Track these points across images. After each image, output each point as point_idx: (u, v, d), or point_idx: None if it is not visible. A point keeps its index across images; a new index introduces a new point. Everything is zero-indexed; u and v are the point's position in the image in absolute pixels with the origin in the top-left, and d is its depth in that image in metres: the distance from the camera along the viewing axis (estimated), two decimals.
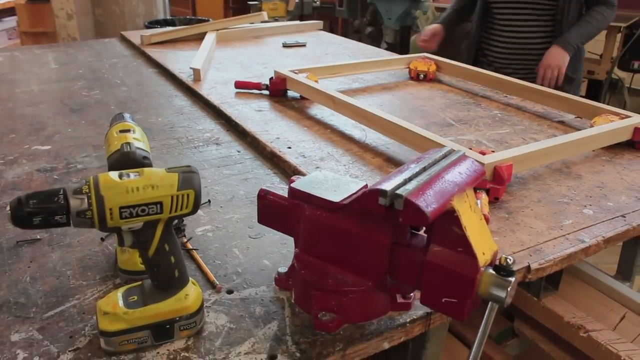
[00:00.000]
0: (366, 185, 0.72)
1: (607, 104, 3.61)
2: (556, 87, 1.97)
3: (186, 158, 1.24)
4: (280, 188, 0.79)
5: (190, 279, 0.71)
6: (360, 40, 4.94)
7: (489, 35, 2.27)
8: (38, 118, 1.51)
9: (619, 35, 3.46)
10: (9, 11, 7.30)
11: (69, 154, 1.27)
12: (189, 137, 1.36)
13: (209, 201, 1.04)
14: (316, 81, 1.60)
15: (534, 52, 2.15)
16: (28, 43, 5.52)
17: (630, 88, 3.84)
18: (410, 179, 0.62)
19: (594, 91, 3.53)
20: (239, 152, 1.27)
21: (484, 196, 0.99)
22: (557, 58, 2.04)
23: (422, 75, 1.81)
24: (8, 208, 0.62)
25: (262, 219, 0.81)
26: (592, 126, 1.37)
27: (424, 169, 0.64)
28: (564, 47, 2.05)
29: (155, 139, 1.34)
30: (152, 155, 0.83)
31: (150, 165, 0.74)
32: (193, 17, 5.59)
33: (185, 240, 0.91)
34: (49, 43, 5.01)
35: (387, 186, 0.60)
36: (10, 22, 7.46)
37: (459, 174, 0.65)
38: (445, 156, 0.69)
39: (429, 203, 0.58)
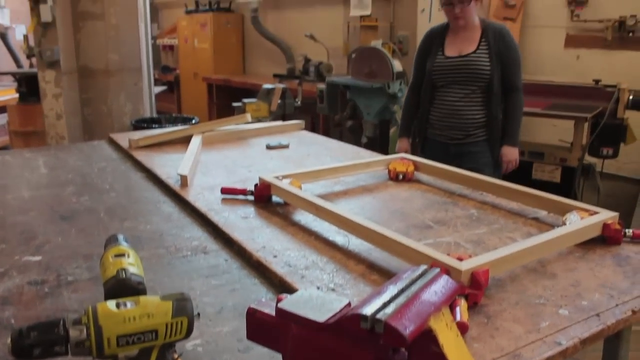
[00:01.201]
0: (349, 303, 0.76)
1: (581, 190, 3.77)
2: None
3: (175, 268, 1.27)
4: (268, 305, 0.83)
5: None
6: (341, 133, 5.13)
7: (434, 106, 2.90)
8: (28, 226, 1.54)
9: (586, 125, 3.64)
10: None
11: (60, 265, 1.29)
12: (177, 245, 1.40)
13: (199, 314, 1.06)
14: (299, 186, 1.67)
15: (470, 119, 2.81)
16: (17, 142, 5.64)
17: (602, 173, 3.99)
18: (389, 302, 0.67)
19: (568, 177, 3.66)
20: (226, 260, 1.32)
21: (462, 302, 1.03)
22: (512, 154, 2.84)
23: (401, 176, 1.90)
24: (9, 340, 0.65)
25: (250, 336, 0.84)
26: (564, 223, 1.44)
27: (402, 291, 0.69)
28: (512, 145, 2.83)
29: (145, 249, 1.38)
30: (143, 266, 0.87)
31: (144, 291, 0.78)
32: (179, 115, 5.77)
33: (176, 356, 0.93)
34: (38, 141, 5.13)
35: (368, 310, 0.64)
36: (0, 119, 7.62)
37: (435, 293, 0.70)
38: (421, 275, 0.74)
39: (407, 325, 0.63)
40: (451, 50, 2.84)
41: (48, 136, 4.78)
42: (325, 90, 4.79)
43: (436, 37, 2.91)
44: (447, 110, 2.85)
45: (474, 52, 2.77)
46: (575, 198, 3.57)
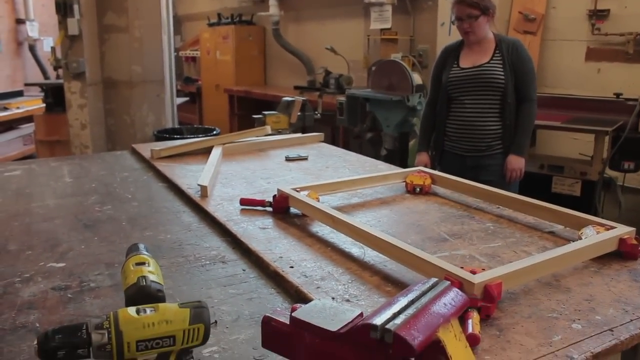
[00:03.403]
0: (362, 314, 0.79)
1: (602, 203, 3.73)
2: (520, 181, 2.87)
3: (194, 277, 1.30)
4: (282, 314, 0.85)
5: None
6: (361, 145, 5.15)
7: (450, 118, 2.94)
8: (53, 234, 1.59)
9: (606, 138, 3.61)
10: (26, 119, 7.66)
11: (83, 272, 1.33)
12: (197, 255, 1.43)
13: (216, 322, 1.09)
14: (317, 198, 1.69)
15: (486, 130, 2.84)
16: (43, 150, 5.77)
17: (623, 187, 3.95)
18: (399, 313, 0.69)
19: (588, 191, 3.63)
20: (244, 270, 1.34)
21: (475, 315, 1.04)
22: (517, 163, 2.83)
23: (418, 189, 1.91)
24: (35, 342, 0.68)
25: (265, 344, 0.87)
26: (579, 237, 1.44)
27: (412, 302, 0.71)
28: (519, 154, 2.83)
29: (165, 257, 1.41)
30: (162, 274, 0.90)
31: (163, 298, 0.81)
32: (200, 126, 5.86)
33: None
34: (63, 150, 5.24)
35: (378, 320, 0.67)
36: (26, 129, 7.80)
37: (444, 305, 0.72)
38: (432, 287, 0.76)
39: (416, 336, 0.65)
40: (466, 62, 2.89)
41: (73, 145, 4.88)
42: (345, 103, 4.83)
43: (452, 52, 2.98)
44: (463, 122, 2.89)
45: (488, 62, 2.82)
46: (595, 212, 3.55)
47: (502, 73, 2.78)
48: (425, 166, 2.81)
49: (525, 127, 2.84)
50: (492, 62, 2.81)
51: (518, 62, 2.80)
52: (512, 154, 2.83)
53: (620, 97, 3.86)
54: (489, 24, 2.83)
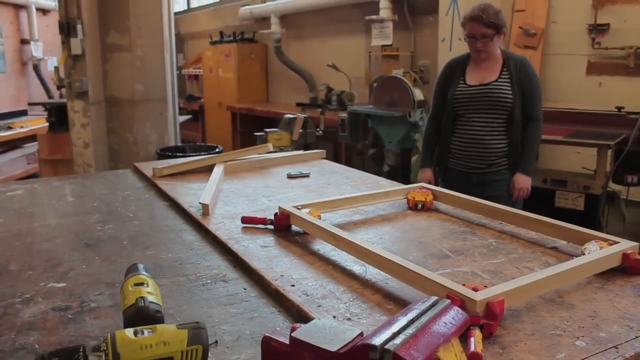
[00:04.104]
0: (362, 333, 0.78)
1: (606, 217, 3.72)
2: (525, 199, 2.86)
3: (195, 296, 1.30)
4: (282, 334, 0.85)
5: None
6: (363, 161, 5.16)
7: (455, 135, 2.92)
8: (54, 254, 1.59)
9: (609, 152, 3.61)
10: (29, 138, 7.71)
11: (83, 292, 1.32)
12: (198, 274, 1.43)
13: (216, 342, 1.08)
14: (318, 216, 1.69)
15: (492, 148, 2.83)
16: (46, 169, 5.79)
17: (627, 200, 3.94)
18: (398, 332, 0.68)
19: (591, 205, 3.62)
20: (245, 289, 1.34)
21: (477, 333, 1.03)
22: (524, 182, 2.82)
23: (420, 205, 1.91)
24: None
25: None
26: (583, 253, 1.43)
27: (412, 321, 0.71)
28: (526, 173, 2.82)
29: (166, 276, 1.40)
30: (162, 293, 0.89)
31: (162, 319, 0.81)
32: (202, 144, 5.88)
33: None
34: (66, 169, 5.26)
35: (377, 340, 0.66)
36: (30, 148, 7.85)
37: (445, 324, 0.71)
38: (432, 306, 0.75)
39: (415, 356, 0.64)
40: (473, 78, 2.86)
41: (75, 164, 4.90)
42: (347, 119, 4.85)
43: (457, 67, 2.94)
44: (469, 139, 2.86)
45: (496, 80, 2.80)
46: (599, 226, 3.53)
47: (510, 92, 2.76)
48: (430, 182, 2.81)
49: (531, 147, 2.84)
50: (500, 80, 2.79)
51: (526, 80, 2.79)
52: (519, 173, 2.82)
53: (622, 110, 3.87)
54: (499, 40, 2.82)
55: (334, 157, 5.85)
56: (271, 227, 1.72)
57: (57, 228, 1.82)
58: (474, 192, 2.00)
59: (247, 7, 8.26)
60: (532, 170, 2.87)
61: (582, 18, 4.30)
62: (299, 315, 1.19)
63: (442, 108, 2.97)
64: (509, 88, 2.77)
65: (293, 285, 1.31)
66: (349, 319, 1.15)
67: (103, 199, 2.16)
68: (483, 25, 2.73)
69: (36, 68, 11.16)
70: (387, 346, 0.64)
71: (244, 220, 1.76)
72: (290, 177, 2.45)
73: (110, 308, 1.24)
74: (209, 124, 8.96)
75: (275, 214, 1.72)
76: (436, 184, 2.82)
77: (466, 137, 2.88)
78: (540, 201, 3.41)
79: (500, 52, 2.86)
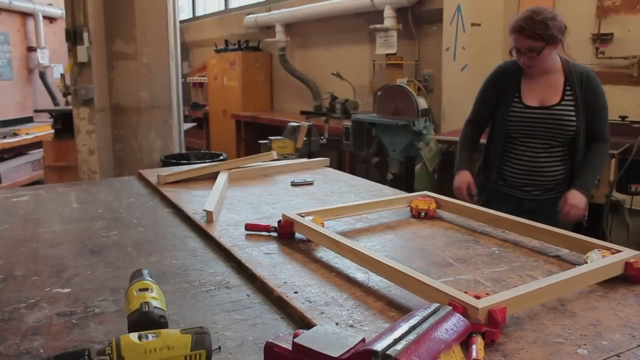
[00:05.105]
0: (364, 339, 0.78)
1: (610, 226, 3.71)
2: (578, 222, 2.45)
3: (198, 302, 1.30)
4: (285, 340, 0.85)
5: None
6: (367, 170, 5.17)
7: (507, 159, 2.57)
8: (59, 259, 1.60)
9: (613, 161, 3.61)
10: (35, 145, 7.76)
11: (88, 298, 1.33)
12: (201, 280, 1.43)
13: (219, 348, 1.09)
14: (322, 224, 1.70)
15: (549, 174, 2.49)
16: (51, 176, 5.82)
17: (631, 209, 3.93)
18: (400, 338, 0.69)
19: (596, 214, 3.61)
20: (248, 296, 1.34)
21: (479, 340, 1.03)
22: (579, 200, 2.38)
23: (423, 213, 1.91)
24: None
25: None
26: (585, 261, 1.44)
27: (414, 328, 0.71)
28: (583, 193, 2.40)
29: (170, 282, 1.41)
30: (167, 299, 0.90)
31: (166, 324, 0.81)
32: (207, 152, 5.90)
33: None
34: (71, 176, 5.29)
35: (379, 346, 0.67)
36: (35, 154, 7.90)
37: (446, 331, 0.72)
38: (433, 313, 0.76)
39: None
40: (531, 98, 2.46)
41: (81, 171, 4.93)
42: (351, 128, 4.86)
43: (510, 78, 2.52)
44: (525, 166, 2.51)
45: (559, 103, 2.40)
46: (603, 235, 3.53)
47: (574, 116, 2.39)
48: (469, 185, 2.59)
49: (595, 167, 2.48)
50: (563, 102, 2.40)
51: (592, 98, 2.40)
52: (575, 189, 2.41)
53: (626, 119, 3.87)
54: (556, 51, 2.39)
55: (338, 165, 5.86)
56: (275, 234, 1.73)
57: (62, 234, 1.83)
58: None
59: (252, 15, 8.32)
60: (590, 191, 2.50)
61: (586, 28, 4.31)
62: (302, 322, 1.19)
63: (484, 117, 2.65)
64: (573, 111, 2.39)
65: (296, 292, 1.32)
66: (351, 326, 1.16)
67: (108, 206, 2.17)
68: (527, 38, 2.30)
69: (42, 75, 11.24)
70: (388, 352, 0.65)
71: (248, 227, 1.77)
72: (294, 184, 2.46)
73: (114, 314, 1.24)
74: (213, 132, 8.99)
75: (279, 222, 1.73)
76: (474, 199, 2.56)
77: (522, 164, 2.52)
78: None
79: (561, 63, 2.43)
